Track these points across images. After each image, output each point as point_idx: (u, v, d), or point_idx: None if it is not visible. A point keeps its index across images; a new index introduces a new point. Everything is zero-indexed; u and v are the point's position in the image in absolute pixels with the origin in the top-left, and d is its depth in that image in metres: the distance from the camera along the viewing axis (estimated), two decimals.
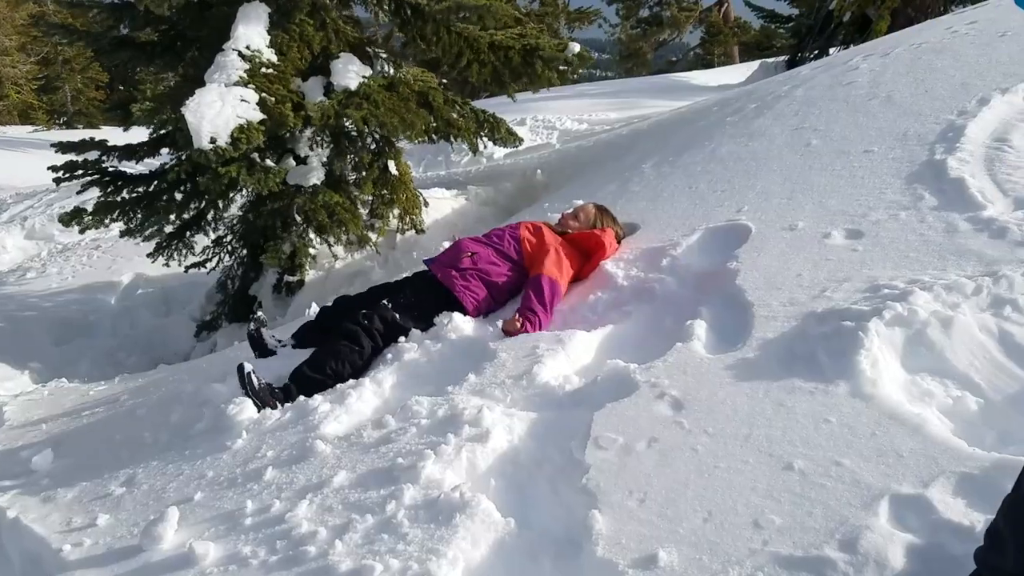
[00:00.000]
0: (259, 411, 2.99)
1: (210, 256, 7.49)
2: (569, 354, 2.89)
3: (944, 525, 1.75)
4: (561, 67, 7.28)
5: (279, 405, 3.00)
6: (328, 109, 5.55)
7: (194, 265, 7.44)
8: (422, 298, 3.44)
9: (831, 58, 5.87)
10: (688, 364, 2.54)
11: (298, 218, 6.76)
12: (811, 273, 2.81)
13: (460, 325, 3.23)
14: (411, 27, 6.92)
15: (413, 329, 3.32)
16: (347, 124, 6.12)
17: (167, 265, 7.27)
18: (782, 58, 19.05)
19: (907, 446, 1.98)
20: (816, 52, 17.88)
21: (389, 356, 3.23)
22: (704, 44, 28.54)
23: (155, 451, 2.98)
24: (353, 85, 5.78)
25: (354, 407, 2.87)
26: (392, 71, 6.93)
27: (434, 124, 6.54)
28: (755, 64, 19.86)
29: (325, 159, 6.62)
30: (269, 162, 5.67)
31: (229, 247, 7.50)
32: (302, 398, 3.02)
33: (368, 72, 6.17)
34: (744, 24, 27.93)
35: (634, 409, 2.40)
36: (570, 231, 3.71)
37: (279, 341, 3.61)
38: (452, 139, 6.95)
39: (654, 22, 26.97)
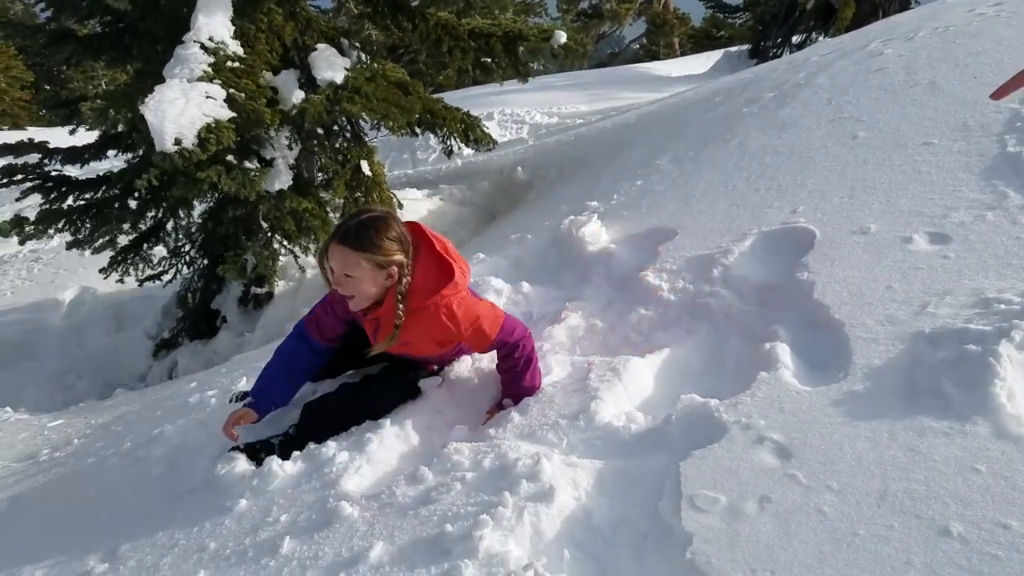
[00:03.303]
0: (256, 465, 2.52)
1: (167, 268, 6.93)
2: (627, 385, 2.49)
3: None
4: (548, 57, 6.91)
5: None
6: (317, 105, 5.05)
7: (149, 278, 6.87)
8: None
9: (840, 43, 5.58)
10: (783, 399, 2.15)
11: (264, 225, 6.25)
12: (903, 285, 2.45)
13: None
14: (383, 16, 6.47)
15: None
16: (339, 119, 5.62)
17: (121, 281, 6.67)
18: (745, 47, 18.99)
19: None
20: (779, 40, 17.89)
21: None
22: (649, 35, 28.61)
23: (139, 514, 2.49)
24: (339, 78, 5.31)
25: (376, 455, 2.43)
26: (369, 61, 6.47)
27: (417, 116, 6.09)
28: (715, 54, 19.79)
29: (292, 161, 6.12)
30: (248, 164, 5.17)
31: (188, 257, 6.95)
32: (312, 444, 2.55)
33: (349, 63, 5.70)
34: (684, 16, 28.11)
35: (730, 458, 2.00)
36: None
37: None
38: (438, 131, 6.52)
39: (594, 15, 26.96)
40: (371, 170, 6.65)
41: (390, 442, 2.49)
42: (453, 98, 14.41)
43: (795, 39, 17.08)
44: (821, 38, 15.27)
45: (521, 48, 6.32)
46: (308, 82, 5.53)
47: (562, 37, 6.48)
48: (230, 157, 5.24)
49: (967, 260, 2.48)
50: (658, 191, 3.95)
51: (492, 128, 12.19)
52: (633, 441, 2.23)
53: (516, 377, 2.56)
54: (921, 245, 2.62)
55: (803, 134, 3.81)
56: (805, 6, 16.36)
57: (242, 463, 2.53)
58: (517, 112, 13.20)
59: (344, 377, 2.88)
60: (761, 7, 21.29)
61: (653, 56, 26.95)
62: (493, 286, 3.43)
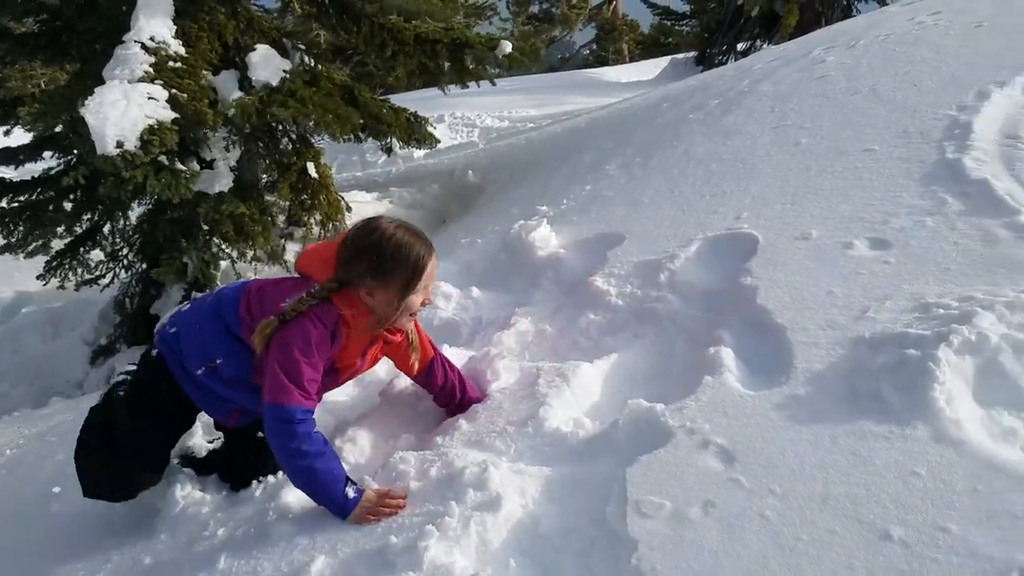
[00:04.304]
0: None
1: (104, 272, 6.73)
2: (575, 391, 2.47)
3: None
4: (493, 65, 6.88)
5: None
6: (249, 107, 4.94)
7: (86, 282, 6.66)
8: None
9: (783, 51, 5.69)
10: (727, 404, 2.17)
11: (205, 227, 6.09)
12: (844, 290, 2.49)
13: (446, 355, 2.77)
14: (329, 16, 6.38)
15: None
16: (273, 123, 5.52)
17: (62, 287, 6.45)
18: (691, 54, 19.29)
19: (1020, 503, 1.66)
20: (725, 48, 18.21)
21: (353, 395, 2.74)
22: (599, 41, 28.95)
23: (72, 529, 2.38)
24: (275, 80, 5.22)
25: None
26: (312, 63, 6.36)
27: (361, 121, 6.01)
28: (662, 60, 20.07)
29: (234, 163, 6.00)
30: (180, 165, 5.03)
31: (125, 261, 6.75)
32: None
33: (288, 66, 5.59)
34: (633, 22, 28.51)
35: (675, 463, 2.00)
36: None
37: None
38: (382, 137, 6.45)
39: (545, 19, 27.20)
40: (318, 172, 6.55)
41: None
42: (403, 100, 14.30)
43: (740, 46, 17.41)
44: (766, 45, 15.57)
45: (467, 55, 6.28)
46: (247, 83, 5.42)
47: (507, 47, 6.47)
48: (163, 158, 5.10)
49: (907, 265, 2.53)
50: (607, 196, 3.96)
51: (443, 131, 12.16)
52: (581, 447, 2.22)
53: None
54: (862, 251, 2.67)
55: (747, 141, 3.86)
56: (750, 14, 16.67)
57: (181, 476, 2.45)
58: (468, 115, 13.17)
59: None
60: (707, 15, 21.68)
61: (603, 61, 27.24)
62: (442, 291, 3.39)
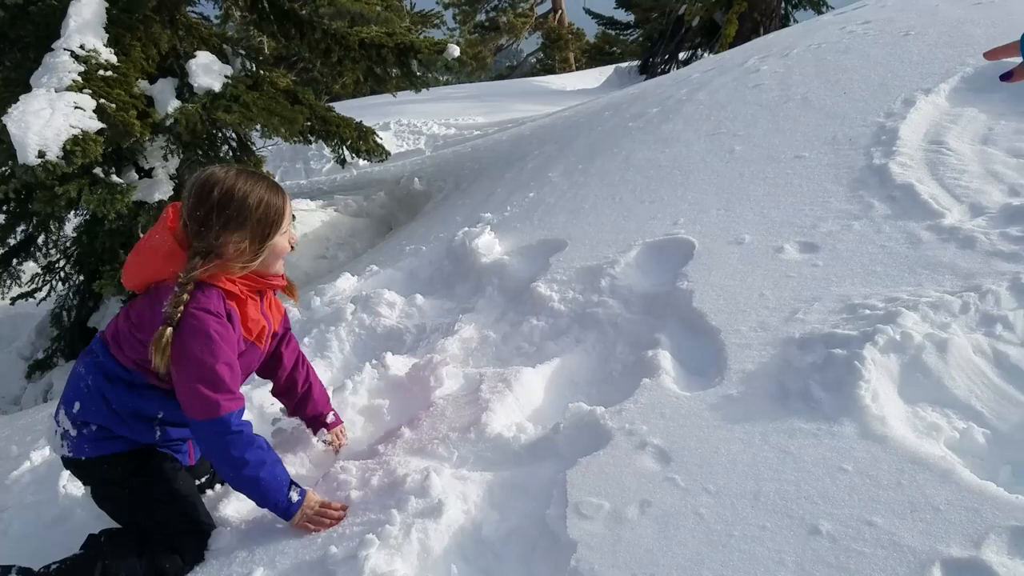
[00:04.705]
0: None
1: (40, 285, 6.53)
2: (518, 396, 2.50)
3: None
4: (441, 69, 6.91)
5: None
6: (192, 114, 4.86)
7: (21, 296, 6.45)
8: None
9: (720, 60, 5.83)
10: (664, 405, 2.21)
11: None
12: (775, 292, 2.57)
13: (390, 364, 2.77)
14: (270, 23, 6.32)
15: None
16: (223, 129, 5.44)
17: None
18: (635, 62, 19.61)
19: (941, 496, 1.73)
20: (667, 56, 18.56)
21: None
22: (545, 49, 29.22)
23: (4, 548, 2.31)
24: (217, 86, 5.14)
25: None
26: (254, 69, 6.30)
27: (309, 123, 5.97)
28: (607, 69, 20.36)
29: (174, 171, 5.89)
30: (116, 178, 4.92)
31: (62, 273, 6.56)
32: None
33: (230, 71, 5.52)
34: (578, 31, 28.86)
35: (614, 464, 2.04)
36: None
37: None
38: (330, 140, 6.41)
39: (491, 27, 27.39)
40: None
41: None
42: (350, 107, 14.21)
43: (682, 55, 17.76)
44: (706, 54, 15.91)
45: (414, 60, 6.30)
46: (187, 90, 5.33)
47: (455, 51, 6.50)
48: (98, 170, 4.98)
49: (835, 268, 2.62)
50: (550, 203, 4.01)
51: (389, 138, 12.10)
52: (523, 451, 2.24)
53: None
54: (792, 254, 2.76)
55: (684, 148, 3.95)
56: (690, 24, 17.03)
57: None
58: (414, 122, 13.15)
59: None
60: (650, 24, 22.05)
61: (549, 70, 27.47)
62: (386, 299, 3.39)
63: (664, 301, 2.77)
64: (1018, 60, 1.48)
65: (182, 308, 1.93)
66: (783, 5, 17.39)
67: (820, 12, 16.58)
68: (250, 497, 2.07)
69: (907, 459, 1.85)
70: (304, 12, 5.91)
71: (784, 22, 16.54)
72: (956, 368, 2.11)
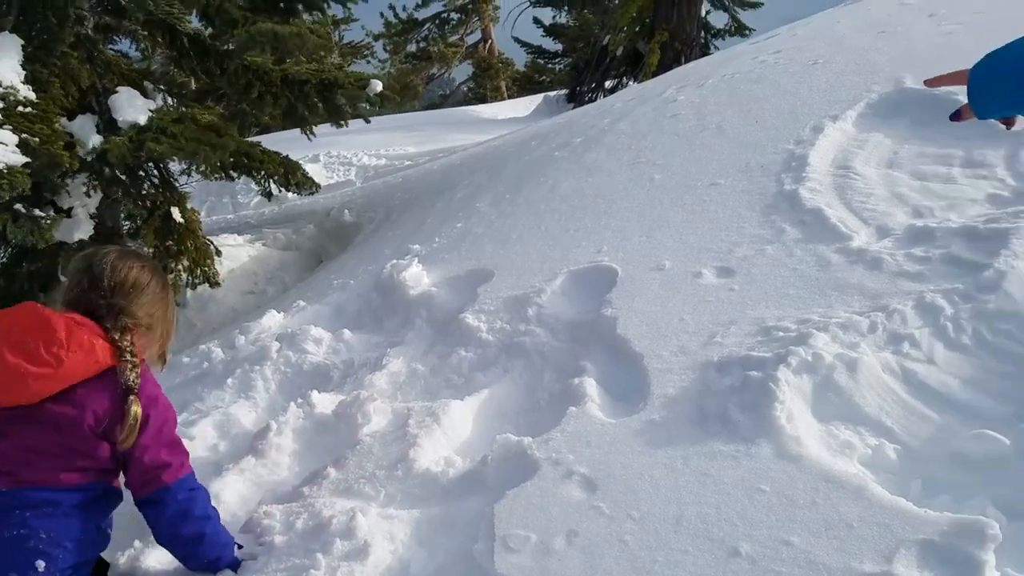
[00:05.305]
0: None
1: None
2: (446, 430, 2.49)
3: None
4: (363, 105, 6.89)
5: None
6: (121, 146, 4.75)
7: None
8: None
9: (641, 89, 6.00)
10: (590, 433, 2.24)
11: (63, 279, 5.76)
12: (694, 317, 2.63)
13: (316, 402, 2.72)
14: (190, 59, 6.23)
15: None
16: (144, 164, 5.32)
17: None
18: (562, 91, 19.98)
19: (854, 513, 1.80)
20: (593, 85, 18.99)
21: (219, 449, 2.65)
22: (476, 78, 29.56)
23: None
24: (142, 119, 5.04)
25: None
26: (176, 104, 6.19)
27: (232, 159, 5.88)
28: (537, 98, 20.68)
29: (94, 210, 5.74)
30: (38, 211, 4.77)
31: None
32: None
33: (154, 105, 5.43)
34: (508, 60, 29.33)
35: (541, 495, 2.05)
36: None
37: None
38: (256, 173, 6.32)
39: (423, 57, 27.62)
40: (183, 217, 6.33)
41: None
42: (280, 139, 14.04)
43: (608, 83, 18.17)
44: (631, 83, 16.31)
45: (337, 95, 6.28)
46: (108, 126, 5.21)
47: (378, 86, 6.50)
48: (19, 206, 4.81)
49: (749, 292, 2.70)
50: (478, 233, 4.03)
51: (318, 170, 11.99)
52: (451, 486, 2.23)
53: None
54: (710, 279, 2.83)
55: (607, 177, 4.04)
56: (615, 53, 17.48)
57: None
58: (344, 154, 13.07)
59: None
60: (576, 53, 22.53)
61: (481, 98, 27.75)
62: (312, 335, 3.34)
63: (589, 328, 2.81)
64: (960, 89, 1.52)
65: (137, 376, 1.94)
66: (703, 35, 18.05)
67: (744, 36, 17.21)
68: (203, 557, 2.02)
69: (821, 477, 1.91)
70: (225, 48, 5.83)
71: (705, 51, 17.11)
72: (866, 386, 2.19)
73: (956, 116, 1.55)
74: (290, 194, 10.45)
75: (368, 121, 7.37)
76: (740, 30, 18.13)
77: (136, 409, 1.90)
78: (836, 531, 1.76)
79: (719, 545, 1.79)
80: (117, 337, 1.93)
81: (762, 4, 19.68)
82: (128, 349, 1.94)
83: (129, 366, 1.92)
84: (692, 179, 3.64)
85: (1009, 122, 1.52)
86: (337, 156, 12.99)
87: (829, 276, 2.64)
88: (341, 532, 2.03)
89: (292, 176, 6.50)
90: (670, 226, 3.29)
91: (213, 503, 2.16)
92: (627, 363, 2.54)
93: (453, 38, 27.93)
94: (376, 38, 26.20)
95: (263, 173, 6.25)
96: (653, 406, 2.28)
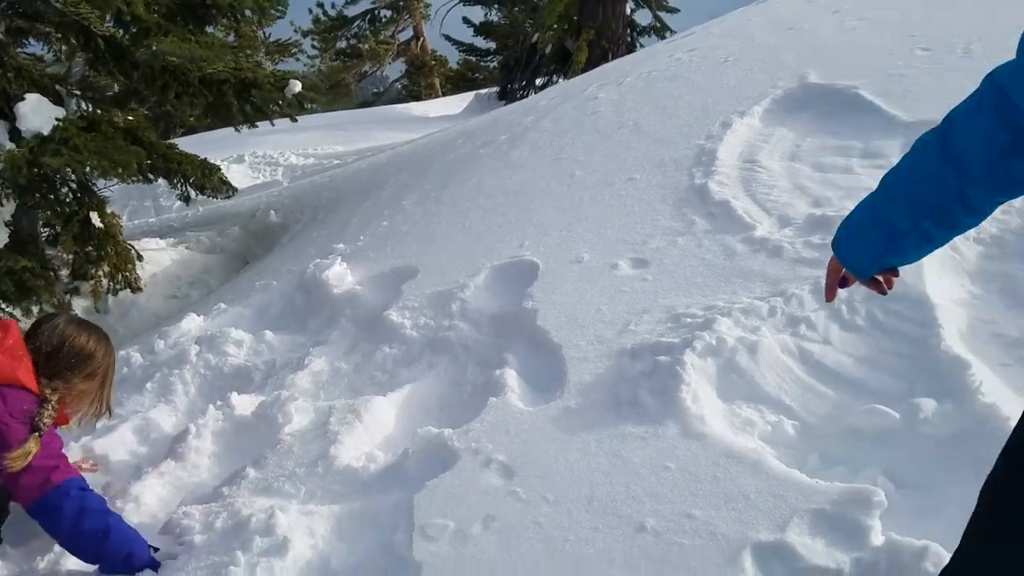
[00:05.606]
0: None
1: None
2: (368, 426, 2.51)
3: (812, 571, 1.67)
4: (281, 106, 6.79)
5: None
6: (19, 159, 4.59)
7: None
8: None
9: (565, 87, 6.11)
10: (509, 422, 2.30)
11: None
12: (610, 307, 2.72)
13: (235, 404, 2.71)
14: (105, 62, 6.05)
15: None
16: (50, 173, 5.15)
17: None
18: (494, 89, 20.05)
19: (752, 486, 1.90)
20: (524, 83, 19.12)
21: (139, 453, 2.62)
22: (410, 76, 29.37)
23: None
24: (46, 129, 4.88)
25: None
26: (90, 109, 6.00)
27: (149, 161, 5.74)
28: (469, 95, 20.68)
29: (9, 218, 5.54)
30: None
31: None
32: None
33: (62, 113, 5.25)
34: (441, 58, 29.22)
35: (459, 484, 2.10)
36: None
37: None
38: (174, 176, 6.17)
39: (353, 54, 27.30)
40: (103, 222, 6.14)
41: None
42: (204, 140, 13.71)
43: (539, 81, 18.30)
44: (561, 80, 16.47)
45: (255, 95, 6.17)
46: (12, 136, 5.04)
47: (297, 86, 6.42)
48: None
49: (662, 281, 2.81)
50: (402, 231, 4.06)
51: (243, 170, 11.76)
52: (372, 480, 2.26)
53: None
54: (625, 270, 2.93)
55: (530, 174, 4.11)
56: (544, 51, 17.63)
57: None
58: (270, 153, 12.81)
59: None
60: (507, 51, 22.61)
61: (415, 96, 27.53)
62: (233, 337, 3.31)
63: (511, 321, 2.87)
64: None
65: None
66: (629, 32, 18.35)
67: (664, 37, 17.56)
68: (114, 554, 2.03)
69: (723, 453, 2.01)
70: (139, 51, 5.67)
71: (631, 48, 17.39)
72: (766, 367, 2.31)
73: (843, 283, 1.61)
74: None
75: (295, 120, 7.27)
76: (661, 31, 18.51)
77: (35, 448, 2.02)
78: (735, 503, 1.86)
79: (627, 521, 1.87)
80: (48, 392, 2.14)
81: (678, 11, 20.12)
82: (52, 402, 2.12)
83: (48, 413, 2.10)
84: (610, 175, 3.74)
85: (888, 281, 1.56)
86: (263, 156, 12.73)
87: (734, 264, 2.77)
88: (260, 529, 2.04)
89: (208, 179, 6.37)
90: (589, 220, 3.38)
91: (132, 505, 2.15)
92: (546, 353, 2.62)
93: (384, 35, 27.65)
94: (305, 35, 25.71)
95: (180, 177, 6.11)
96: (570, 393, 2.36)
